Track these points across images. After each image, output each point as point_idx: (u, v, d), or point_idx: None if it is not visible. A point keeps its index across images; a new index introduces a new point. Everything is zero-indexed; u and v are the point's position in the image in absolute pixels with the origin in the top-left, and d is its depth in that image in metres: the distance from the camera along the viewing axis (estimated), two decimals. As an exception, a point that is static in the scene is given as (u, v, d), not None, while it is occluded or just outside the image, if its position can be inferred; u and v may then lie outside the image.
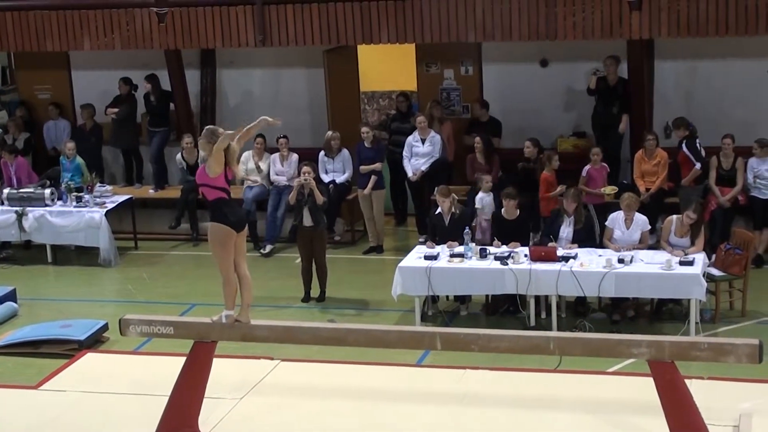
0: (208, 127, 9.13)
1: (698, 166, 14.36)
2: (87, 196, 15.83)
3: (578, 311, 12.67)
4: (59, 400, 10.68)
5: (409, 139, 15.88)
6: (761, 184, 14.20)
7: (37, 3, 16.32)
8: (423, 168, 15.71)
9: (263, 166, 16.16)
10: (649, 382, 8.57)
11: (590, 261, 12.13)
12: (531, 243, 12.95)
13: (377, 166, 15.69)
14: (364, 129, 15.95)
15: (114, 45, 16.14)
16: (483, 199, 13.82)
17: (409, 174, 15.83)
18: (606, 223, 12.87)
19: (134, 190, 17.20)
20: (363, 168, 15.64)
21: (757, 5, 13.72)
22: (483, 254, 12.46)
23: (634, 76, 15.51)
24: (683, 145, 14.51)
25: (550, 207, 13.88)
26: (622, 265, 11.96)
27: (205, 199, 9.10)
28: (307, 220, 13.40)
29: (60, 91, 18.51)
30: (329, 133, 16.02)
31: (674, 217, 12.68)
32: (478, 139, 15.29)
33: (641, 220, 12.70)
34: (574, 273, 11.90)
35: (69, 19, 16.13)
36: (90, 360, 11.81)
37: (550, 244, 12.48)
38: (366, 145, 15.75)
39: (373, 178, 15.59)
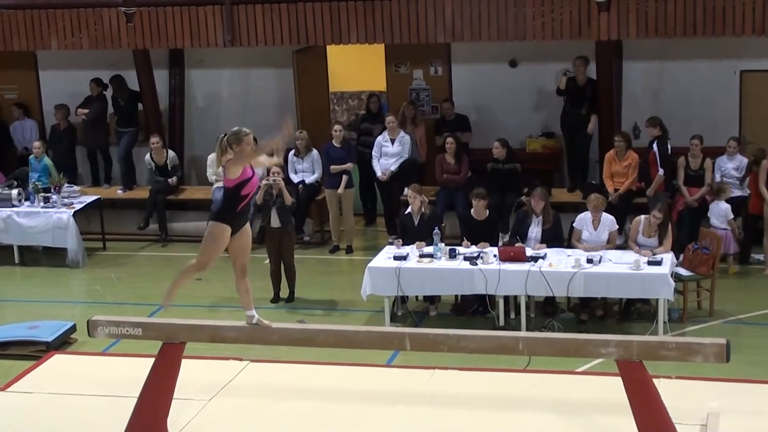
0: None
1: (661, 172, 14.38)
2: (54, 197, 15.73)
3: (547, 311, 12.69)
4: (27, 402, 10.59)
5: (379, 139, 15.88)
6: (728, 183, 14.26)
7: (3, 2, 16.21)
8: (392, 168, 15.72)
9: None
10: (618, 381, 8.58)
11: (559, 261, 12.15)
12: (500, 243, 12.97)
13: (349, 165, 15.67)
14: (336, 127, 15.89)
15: (82, 45, 16.07)
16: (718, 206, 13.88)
17: (378, 174, 15.83)
18: (573, 224, 12.90)
19: (102, 190, 17.11)
20: (334, 168, 15.60)
21: (724, 7, 13.82)
22: (452, 254, 12.47)
23: (603, 77, 15.57)
24: (654, 145, 14.55)
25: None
26: (590, 265, 11.99)
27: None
28: (275, 221, 13.37)
29: (27, 92, 18.40)
30: (296, 132, 15.96)
31: (642, 217, 12.73)
32: (450, 139, 15.29)
33: (608, 220, 12.73)
34: (543, 273, 11.92)
35: (36, 18, 16.05)
36: (58, 361, 11.72)
37: (517, 245, 12.49)
38: (335, 144, 15.71)
39: (345, 177, 15.57)
